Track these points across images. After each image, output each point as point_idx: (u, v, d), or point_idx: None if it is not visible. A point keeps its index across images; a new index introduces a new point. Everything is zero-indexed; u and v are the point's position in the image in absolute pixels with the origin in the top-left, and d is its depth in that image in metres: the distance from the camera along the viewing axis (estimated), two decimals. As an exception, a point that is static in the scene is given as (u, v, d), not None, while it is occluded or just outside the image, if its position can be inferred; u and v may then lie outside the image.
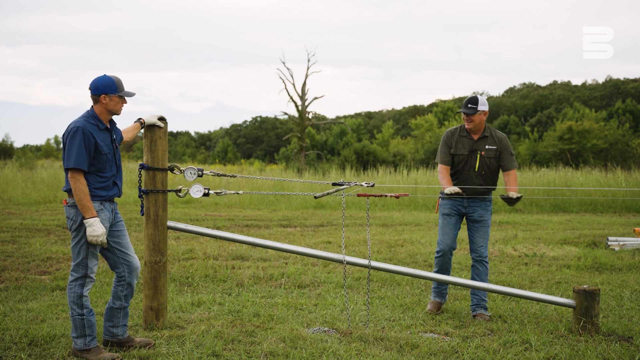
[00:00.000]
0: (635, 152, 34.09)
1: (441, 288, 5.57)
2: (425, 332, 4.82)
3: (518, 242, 9.67)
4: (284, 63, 36.23)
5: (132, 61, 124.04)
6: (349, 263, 4.93)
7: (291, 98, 36.62)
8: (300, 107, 37.01)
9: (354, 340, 4.55)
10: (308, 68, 36.18)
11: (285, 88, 36.32)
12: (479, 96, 5.42)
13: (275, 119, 61.25)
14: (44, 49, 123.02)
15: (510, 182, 5.49)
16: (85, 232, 4.05)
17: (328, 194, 5.00)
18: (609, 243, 9.36)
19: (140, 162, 5.85)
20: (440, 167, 5.55)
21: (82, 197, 4.00)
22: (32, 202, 15.51)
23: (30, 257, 7.66)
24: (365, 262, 4.91)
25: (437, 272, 5.50)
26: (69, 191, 4.11)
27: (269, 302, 5.82)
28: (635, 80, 54.82)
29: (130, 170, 20.64)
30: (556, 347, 4.41)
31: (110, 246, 4.24)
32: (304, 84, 36.65)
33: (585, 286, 4.85)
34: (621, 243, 9.28)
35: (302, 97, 36.86)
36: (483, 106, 5.40)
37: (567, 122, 37.69)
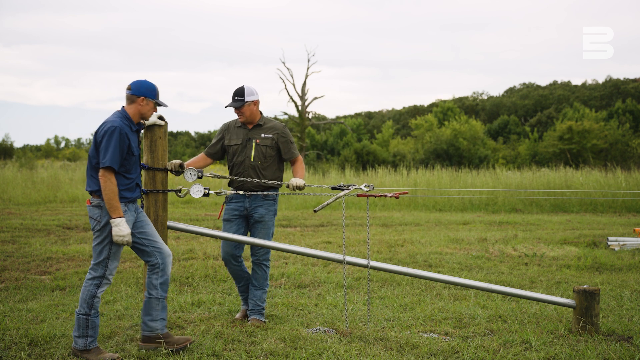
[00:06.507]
0: (635, 152, 34.12)
1: (245, 295, 5.31)
2: (425, 332, 4.82)
3: (518, 242, 9.67)
4: (284, 63, 36.25)
5: (130, 61, 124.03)
6: (348, 263, 4.93)
7: (291, 98, 36.58)
8: (300, 107, 36.99)
9: (354, 340, 4.55)
10: (308, 68, 36.17)
11: (285, 88, 36.29)
12: (246, 86, 5.12)
13: (275, 119, 61.23)
14: (41, 48, 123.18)
15: (297, 170, 5.24)
16: (109, 232, 4.07)
17: (327, 204, 4.99)
18: (609, 243, 9.35)
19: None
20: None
21: (111, 197, 4.03)
22: (32, 202, 15.52)
23: (30, 257, 7.66)
24: (365, 262, 4.92)
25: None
26: (93, 192, 4.14)
27: (269, 302, 5.82)
28: (635, 80, 54.83)
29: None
30: (556, 347, 4.41)
31: (138, 238, 4.24)
32: (304, 84, 36.63)
33: (585, 286, 4.85)
34: (621, 243, 9.28)
35: (302, 97, 36.83)
36: (251, 96, 5.13)
37: (567, 122, 37.75)
